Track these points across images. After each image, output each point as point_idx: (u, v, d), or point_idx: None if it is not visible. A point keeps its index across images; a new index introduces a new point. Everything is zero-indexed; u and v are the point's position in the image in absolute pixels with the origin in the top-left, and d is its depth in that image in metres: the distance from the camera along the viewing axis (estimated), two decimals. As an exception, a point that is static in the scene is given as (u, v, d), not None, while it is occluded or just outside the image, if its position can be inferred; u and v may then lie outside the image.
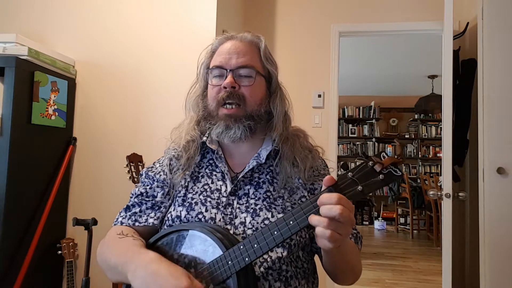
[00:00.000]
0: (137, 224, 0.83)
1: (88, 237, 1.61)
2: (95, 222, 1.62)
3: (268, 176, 0.84)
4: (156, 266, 0.65)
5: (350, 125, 6.48)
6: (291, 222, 0.65)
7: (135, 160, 1.71)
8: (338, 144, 5.82)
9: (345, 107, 6.41)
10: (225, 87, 0.81)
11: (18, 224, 1.66)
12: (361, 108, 6.44)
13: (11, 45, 1.65)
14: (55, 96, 1.83)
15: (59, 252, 1.79)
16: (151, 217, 0.84)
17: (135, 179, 1.68)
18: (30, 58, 1.67)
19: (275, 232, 0.66)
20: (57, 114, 1.85)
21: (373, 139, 6.34)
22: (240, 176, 0.83)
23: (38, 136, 1.75)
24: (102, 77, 1.99)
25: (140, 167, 1.71)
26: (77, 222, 1.59)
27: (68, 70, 1.94)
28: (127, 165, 1.69)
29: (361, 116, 6.44)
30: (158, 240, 0.79)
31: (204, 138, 0.87)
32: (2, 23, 2.07)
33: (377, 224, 5.70)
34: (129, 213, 0.85)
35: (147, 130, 1.93)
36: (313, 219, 0.61)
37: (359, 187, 0.64)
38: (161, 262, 0.66)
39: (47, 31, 2.04)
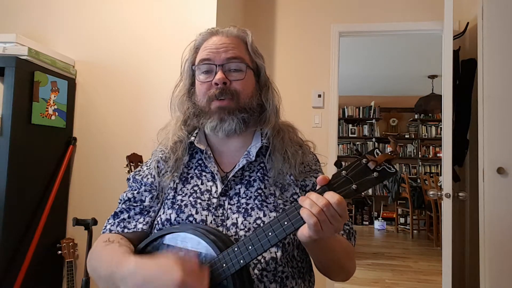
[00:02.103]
0: (126, 230, 0.81)
1: (88, 237, 1.61)
2: (95, 222, 1.62)
3: (259, 174, 0.82)
4: (143, 271, 0.62)
5: (350, 125, 6.48)
6: (285, 223, 0.64)
7: (135, 160, 1.71)
8: (338, 144, 5.83)
9: (345, 107, 6.41)
10: (216, 84, 0.79)
11: (18, 224, 1.66)
12: (361, 108, 6.44)
13: (11, 45, 1.65)
14: (55, 96, 1.83)
15: (59, 252, 1.79)
16: (140, 223, 0.81)
17: (135, 179, 1.68)
18: (30, 58, 1.67)
19: (270, 234, 0.65)
20: (57, 114, 1.85)
21: (373, 139, 6.34)
22: (230, 176, 0.81)
23: (38, 136, 1.75)
24: (102, 77, 1.99)
25: (140, 167, 1.71)
26: (77, 222, 1.59)
27: (68, 70, 1.94)
28: (127, 165, 1.69)
29: (361, 116, 6.44)
30: (148, 245, 0.77)
31: (192, 138, 0.85)
32: (2, 23, 2.07)
33: (377, 224, 5.70)
34: (117, 219, 0.83)
35: (147, 130, 1.93)
36: (305, 202, 0.61)
37: (354, 186, 0.63)
38: (146, 264, 0.63)
39: (47, 31, 2.04)
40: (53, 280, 1.88)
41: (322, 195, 0.61)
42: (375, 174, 0.63)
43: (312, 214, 0.60)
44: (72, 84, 1.97)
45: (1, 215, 1.56)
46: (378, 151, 0.64)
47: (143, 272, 0.62)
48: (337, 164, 0.66)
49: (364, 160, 0.64)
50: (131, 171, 1.68)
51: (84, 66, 2.01)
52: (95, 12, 2.03)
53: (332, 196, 0.60)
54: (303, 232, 0.63)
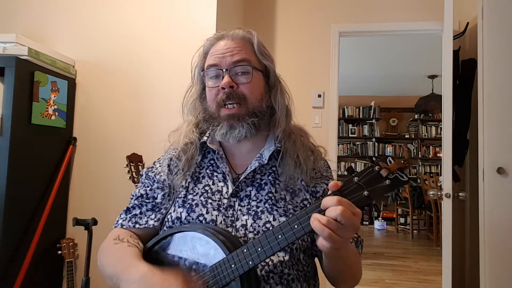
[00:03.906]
0: (137, 226, 0.82)
1: (88, 237, 1.61)
2: (95, 222, 1.62)
3: (270, 177, 0.82)
4: (149, 281, 0.63)
5: (350, 125, 6.48)
6: (295, 226, 0.64)
7: (135, 160, 1.71)
8: (338, 144, 5.83)
9: (345, 107, 6.41)
10: (223, 88, 0.79)
11: (18, 224, 1.66)
12: (361, 108, 6.44)
13: (11, 45, 1.65)
14: (55, 96, 1.83)
15: (59, 252, 1.79)
16: (151, 219, 0.83)
17: (135, 179, 1.68)
18: (30, 58, 1.67)
19: (280, 236, 0.65)
20: (57, 114, 1.85)
21: (373, 139, 6.34)
22: (242, 178, 0.81)
23: (38, 136, 1.74)
24: (102, 77, 1.99)
25: (140, 167, 1.71)
26: (77, 222, 1.59)
27: (68, 70, 1.94)
28: (127, 165, 1.69)
29: (361, 116, 6.44)
30: (158, 243, 0.78)
31: (205, 138, 0.86)
32: (2, 23, 2.07)
33: (377, 224, 5.70)
34: (129, 215, 0.84)
35: (147, 130, 1.93)
36: (313, 216, 0.61)
37: (365, 192, 0.63)
38: (154, 275, 0.64)
39: (47, 31, 2.04)
40: (53, 280, 1.88)
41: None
42: (387, 181, 0.63)
43: (323, 226, 0.59)
44: (72, 84, 1.97)
45: (1, 215, 1.56)
46: (391, 159, 0.64)
47: (148, 282, 0.63)
48: (349, 170, 0.67)
49: (376, 167, 0.64)
50: (131, 171, 1.68)
51: (84, 66, 2.01)
52: (95, 12, 2.03)
53: (334, 210, 0.59)
54: (323, 244, 0.61)
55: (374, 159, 6.20)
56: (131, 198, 0.87)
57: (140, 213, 0.84)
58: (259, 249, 0.66)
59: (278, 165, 0.84)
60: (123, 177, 1.73)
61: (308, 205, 0.81)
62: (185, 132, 0.88)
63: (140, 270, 0.66)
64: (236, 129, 0.79)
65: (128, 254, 0.73)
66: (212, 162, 0.87)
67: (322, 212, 0.61)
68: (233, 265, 0.67)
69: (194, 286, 0.64)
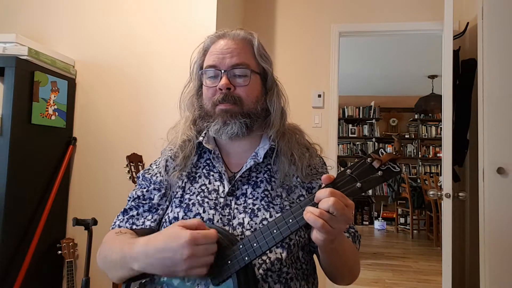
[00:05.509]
0: (134, 227, 0.82)
1: (88, 237, 1.61)
2: (95, 222, 1.62)
3: (265, 175, 0.83)
4: (153, 246, 0.65)
5: (350, 125, 6.48)
6: (290, 221, 0.65)
7: (135, 160, 1.71)
8: (338, 144, 5.83)
9: (345, 107, 6.41)
10: (220, 89, 0.80)
11: (18, 224, 1.66)
12: (361, 108, 6.44)
13: (11, 45, 1.65)
14: (55, 96, 1.83)
15: (59, 252, 1.79)
16: (148, 220, 0.83)
17: (135, 179, 1.68)
18: (30, 58, 1.67)
19: (275, 231, 0.65)
20: (57, 114, 1.85)
21: (373, 139, 6.34)
22: (237, 176, 0.82)
23: (38, 136, 1.75)
24: (102, 77, 1.99)
25: (140, 167, 1.71)
26: (77, 222, 1.59)
27: (68, 70, 1.94)
28: (127, 165, 1.69)
29: (361, 116, 6.44)
30: None
31: (201, 138, 0.86)
32: (2, 23, 2.07)
33: (377, 224, 5.70)
34: (126, 216, 0.84)
35: (147, 130, 1.93)
36: (307, 209, 0.62)
37: (358, 184, 0.63)
38: (154, 238, 0.67)
39: (47, 31, 2.04)
40: (53, 280, 1.88)
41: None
42: (379, 173, 0.63)
43: (316, 217, 0.60)
44: (72, 84, 1.97)
45: (1, 215, 1.56)
46: (383, 151, 0.64)
47: (153, 245, 0.65)
48: (342, 164, 0.67)
49: (369, 159, 0.64)
50: (131, 171, 1.68)
51: (84, 66, 2.01)
52: (95, 12, 2.03)
53: (326, 202, 0.60)
54: (317, 236, 0.63)
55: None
56: (128, 200, 0.88)
57: (137, 214, 0.84)
58: (255, 244, 0.66)
59: (273, 163, 0.84)
60: (123, 177, 1.73)
61: None
62: (183, 129, 0.89)
63: (140, 241, 0.69)
64: (228, 125, 0.80)
65: (131, 238, 0.75)
66: (208, 162, 0.87)
67: (316, 205, 0.62)
68: (229, 262, 0.67)
69: (192, 223, 0.65)
